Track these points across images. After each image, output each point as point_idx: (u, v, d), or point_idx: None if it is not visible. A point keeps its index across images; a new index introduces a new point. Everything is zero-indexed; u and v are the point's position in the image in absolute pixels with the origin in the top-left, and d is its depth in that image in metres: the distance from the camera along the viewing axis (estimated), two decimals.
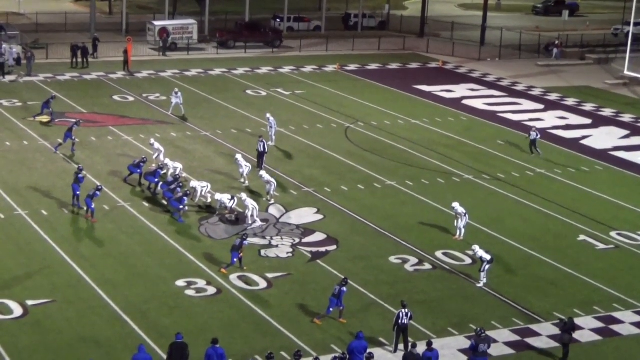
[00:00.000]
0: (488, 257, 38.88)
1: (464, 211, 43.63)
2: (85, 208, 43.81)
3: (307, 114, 64.92)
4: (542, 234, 45.34)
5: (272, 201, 47.02)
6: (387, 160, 55.05)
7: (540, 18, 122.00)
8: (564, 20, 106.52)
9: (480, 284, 39.15)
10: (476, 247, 39.40)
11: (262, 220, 44.43)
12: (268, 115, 57.25)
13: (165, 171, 48.08)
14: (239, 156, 49.63)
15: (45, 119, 59.04)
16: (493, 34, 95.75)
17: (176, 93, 62.27)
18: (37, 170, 50.26)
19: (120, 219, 44.01)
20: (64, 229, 42.73)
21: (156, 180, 46.93)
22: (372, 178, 51.64)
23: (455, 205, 43.72)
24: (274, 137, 56.41)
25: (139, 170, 48.13)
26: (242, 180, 49.11)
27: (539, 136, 57.83)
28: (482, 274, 39.10)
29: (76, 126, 54.39)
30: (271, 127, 56.35)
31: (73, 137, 53.34)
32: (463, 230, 43.75)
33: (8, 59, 72.17)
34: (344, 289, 34.86)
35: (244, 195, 44.81)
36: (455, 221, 43.85)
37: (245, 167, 49.14)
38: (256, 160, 51.72)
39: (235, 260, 38.97)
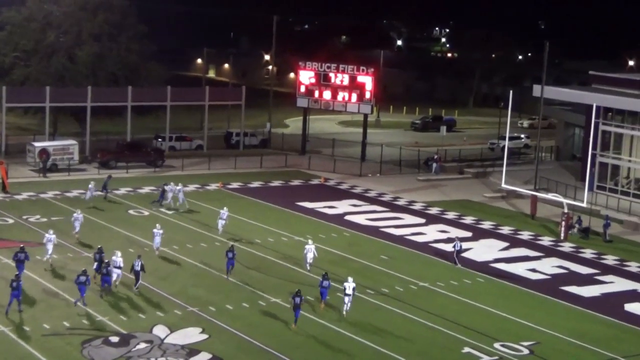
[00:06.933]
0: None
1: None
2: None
3: (191, 232, 64.67)
4: (427, 347, 45.60)
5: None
6: (271, 277, 54.98)
7: (419, 134, 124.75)
8: (442, 136, 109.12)
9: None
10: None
11: (146, 342, 43.79)
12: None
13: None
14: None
15: None
16: (373, 150, 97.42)
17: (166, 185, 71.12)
18: None
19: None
20: None
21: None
22: (257, 296, 51.46)
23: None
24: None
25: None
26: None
27: (460, 247, 59.63)
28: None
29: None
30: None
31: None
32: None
33: None
34: None
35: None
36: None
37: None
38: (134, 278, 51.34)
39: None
